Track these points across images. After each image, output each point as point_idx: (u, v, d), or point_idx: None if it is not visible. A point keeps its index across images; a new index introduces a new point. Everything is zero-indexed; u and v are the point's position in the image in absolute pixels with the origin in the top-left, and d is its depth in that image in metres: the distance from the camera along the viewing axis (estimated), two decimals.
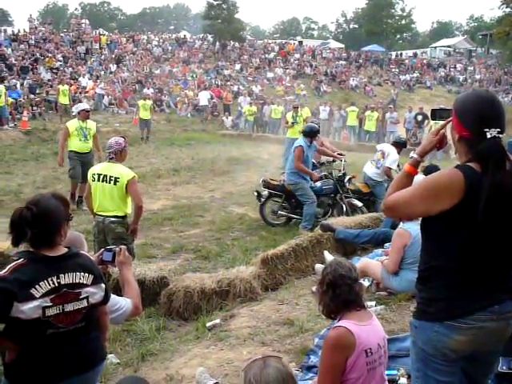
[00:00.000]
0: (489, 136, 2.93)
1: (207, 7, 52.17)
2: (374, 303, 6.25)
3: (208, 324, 6.40)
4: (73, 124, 12.55)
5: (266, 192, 11.52)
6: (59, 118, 25.76)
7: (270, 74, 42.95)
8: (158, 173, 17.59)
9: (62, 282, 3.25)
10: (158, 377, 5.12)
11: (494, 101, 3.04)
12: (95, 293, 3.41)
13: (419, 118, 26.58)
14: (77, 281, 3.31)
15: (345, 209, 11.20)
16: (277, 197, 11.56)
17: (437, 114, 3.39)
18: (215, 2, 51.09)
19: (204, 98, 32.15)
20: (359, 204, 11.30)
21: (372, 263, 6.81)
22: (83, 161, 12.60)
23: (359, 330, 3.46)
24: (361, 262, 6.91)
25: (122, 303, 3.96)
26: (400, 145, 11.09)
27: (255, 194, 11.67)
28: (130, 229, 7.52)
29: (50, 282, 3.20)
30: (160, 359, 5.68)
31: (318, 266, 7.43)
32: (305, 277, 7.85)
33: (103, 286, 3.48)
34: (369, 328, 3.54)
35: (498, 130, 2.95)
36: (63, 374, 3.30)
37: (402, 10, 75.99)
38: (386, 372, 3.97)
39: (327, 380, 3.46)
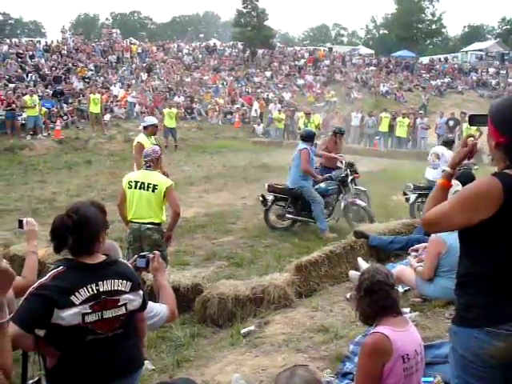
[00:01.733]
0: None
1: (237, 15, 52.39)
2: (408, 310, 6.21)
3: (242, 331, 6.42)
4: (144, 140, 10.84)
5: (271, 196, 11.70)
6: (91, 126, 26.05)
7: (300, 81, 42.95)
8: (190, 180, 17.70)
9: (101, 289, 3.31)
10: None
11: None
12: (133, 300, 3.46)
13: (451, 123, 26.30)
14: (115, 288, 3.37)
15: (342, 208, 11.65)
16: (281, 200, 11.72)
17: (475, 120, 3.39)
18: (245, 10, 51.28)
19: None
20: (362, 204, 11.58)
21: (406, 270, 6.78)
22: None
23: (396, 335, 3.46)
24: (395, 268, 6.88)
25: (157, 309, 4.00)
26: (449, 143, 11.82)
27: (260, 198, 11.76)
28: (165, 236, 7.59)
29: (90, 289, 3.27)
30: (195, 366, 5.72)
31: (352, 273, 7.41)
32: (339, 283, 7.83)
33: (141, 293, 3.53)
34: (405, 334, 3.54)
35: None
36: (103, 379, 3.37)
37: (433, 14, 75.43)
38: (423, 379, 3.96)
39: None
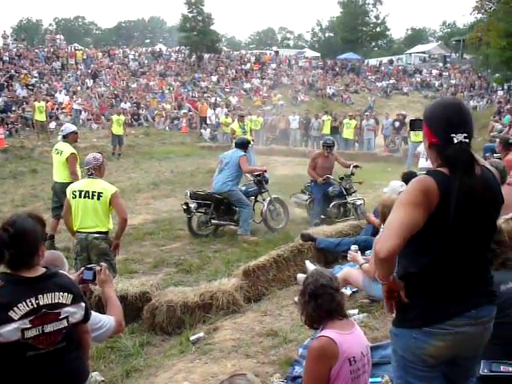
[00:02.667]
0: (455, 141, 3.00)
1: (182, 19, 52.14)
2: (356, 311, 6.27)
3: (192, 338, 6.38)
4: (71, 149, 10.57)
5: (194, 204, 11.64)
6: (36, 135, 25.58)
7: (246, 85, 43.08)
8: (138, 187, 17.55)
9: (41, 303, 3.22)
10: None
11: (460, 107, 3.12)
12: (75, 312, 3.39)
13: (396, 124, 26.70)
14: (56, 301, 3.29)
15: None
16: (204, 207, 11.73)
17: (415, 125, 3.47)
18: (190, 15, 51.08)
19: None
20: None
21: (353, 272, 6.84)
22: None
23: (342, 339, 3.49)
24: (342, 270, 6.94)
25: (104, 321, 3.94)
26: None
27: (184, 207, 11.60)
28: (112, 244, 7.48)
29: (29, 304, 3.18)
30: (145, 375, 5.67)
31: (300, 276, 7.45)
32: (287, 287, 7.86)
33: (83, 304, 3.45)
34: (351, 337, 3.57)
35: (465, 135, 3.02)
36: None
37: (376, 17, 76.90)
38: (370, 379, 4.00)
39: None
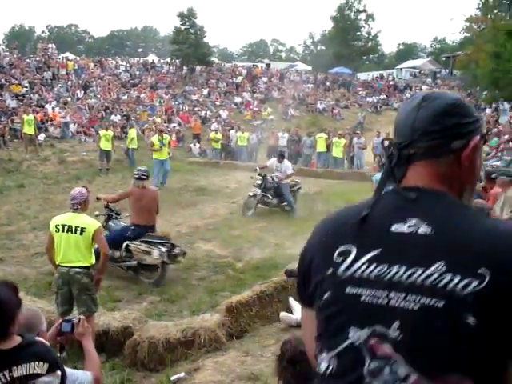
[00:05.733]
0: None
1: (175, 32, 52.24)
2: None
3: (172, 378, 6.37)
4: None
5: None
6: (24, 147, 25.31)
7: (237, 99, 43.11)
8: (124, 205, 17.39)
9: (15, 375, 3.19)
10: None
11: None
12: (51, 381, 3.35)
13: (385, 143, 26.41)
14: (31, 372, 3.25)
15: None
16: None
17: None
18: (183, 27, 51.20)
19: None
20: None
21: None
22: None
23: None
24: None
25: (81, 378, 3.91)
26: None
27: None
28: (94, 279, 7.42)
29: (2, 377, 3.15)
30: None
31: (283, 315, 7.45)
32: (270, 324, 7.85)
33: (59, 372, 3.42)
34: None
35: None
36: None
37: (368, 33, 77.18)
38: None
39: None
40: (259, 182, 16.34)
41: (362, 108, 44.45)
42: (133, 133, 25.64)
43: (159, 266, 10.27)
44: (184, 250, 10.93)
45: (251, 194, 16.21)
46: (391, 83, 55.32)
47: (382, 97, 48.70)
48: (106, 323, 7.48)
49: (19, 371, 3.21)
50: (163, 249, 10.29)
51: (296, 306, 7.57)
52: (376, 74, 62.65)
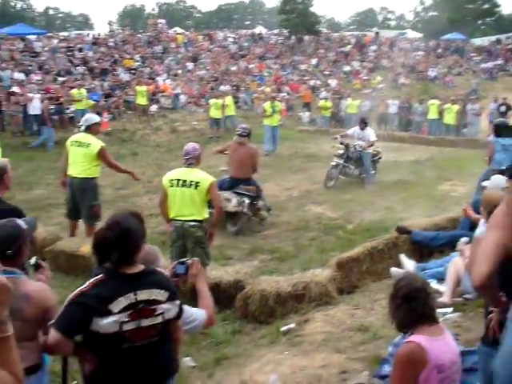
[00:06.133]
0: None
1: (282, 2, 52.07)
2: (450, 310, 6.13)
3: (282, 328, 6.45)
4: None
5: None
6: (138, 118, 26.30)
7: (346, 68, 42.57)
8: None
9: (139, 299, 3.37)
10: (232, 383, 5.21)
11: None
12: (170, 309, 3.51)
13: (502, 108, 25.59)
14: (153, 298, 3.43)
15: None
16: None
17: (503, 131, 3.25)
18: None
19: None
20: None
21: (459, 263, 6.59)
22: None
23: (431, 345, 3.40)
24: (451, 262, 6.70)
25: (196, 314, 4.04)
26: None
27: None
28: (208, 233, 7.57)
29: (128, 299, 3.33)
30: (234, 364, 5.78)
31: (394, 270, 7.34)
32: (380, 280, 7.77)
33: (178, 302, 3.57)
34: (441, 343, 3.48)
35: None
36: None
37: None
38: None
39: None
40: (341, 151, 15.51)
41: (476, 74, 42.72)
42: (228, 100, 25.95)
43: (241, 215, 10.94)
44: (269, 206, 11.60)
45: (334, 163, 15.33)
46: (509, 47, 52.48)
47: (498, 62, 46.43)
48: (218, 277, 7.65)
49: (143, 295, 3.39)
50: (246, 200, 10.83)
51: (407, 262, 7.45)
52: (493, 38, 59.73)
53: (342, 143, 15.63)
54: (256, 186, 11.56)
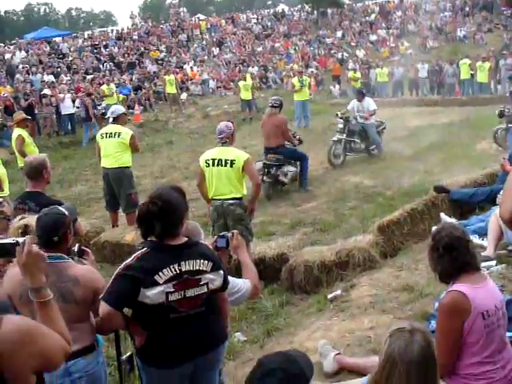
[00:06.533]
0: None
1: None
2: (494, 262, 6.11)
3: (329, 296, 6.51)
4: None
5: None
6: (169, 107, 26.52)
7: (373, 37, 42.08)
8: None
9: (184, 269, 3.47)
10: None
11: None
12: (214, 279, 3.61)
13: None
14: (197, 268, 3.52)
15: None
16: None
17: None
18: None
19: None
20: None
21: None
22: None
23: (474, 292, 3.44)
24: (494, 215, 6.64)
25: (241, 285, 4.15)
26: None
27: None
28: (248, 209, 7.62)
29: (172, 269, 3.44)
30: (284, 334, 5.86)
31: (443, 216, 7.39)
32: (422, 241, 7.71)
33: (222, 272, 3.66)
34: (484, 290, 3.51)
35: None
36: (187, 354, 3.56)
37: None
38: (509, 334, 3.92)
39: (445, 345, 3.47)
40: (341, 125, 14.55)
41: (507, 29, 41.69)
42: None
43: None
44: (287, 172, 12.19)
45: (335, 138, 14.47)
46: None
47: None
48: (262, 252, 7.74)
49: (187, 266, 3.49)
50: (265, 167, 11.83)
51: (448, 221, 7.43)
52: None
53: (341, 118, 14.74)
54: (286, 155, 12.29)
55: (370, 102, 15.26)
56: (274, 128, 12.12)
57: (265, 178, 11.77)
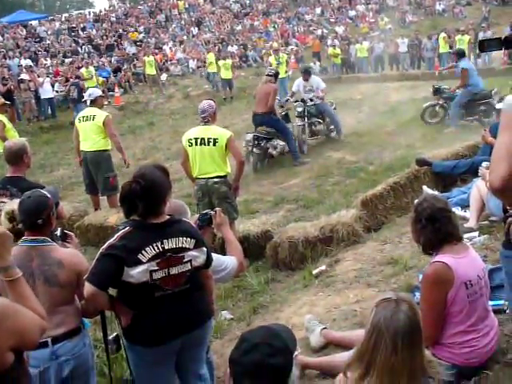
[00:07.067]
0: None
1: None
2: (476, 233, 6.14)
3: (314, 271, 6.53)
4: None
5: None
6: (149, 88, 26.41)
7: (352, 13, 41.87)
8: (251, 128, 17.71)
9: (166, 247, 3.47)
10: None
11: None
12: (197, 256, 3.61)
13: None
14: (180, 245, 3.52)
15: None
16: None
17: (485, 45, 3.05)
18: None
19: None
20: None
21: (482, 186, 6.51)
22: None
23: (456, 263, 3.47)
24: (473, 189, 6.66)
25: (227, 262, 4.16)
26: None
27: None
28: (232, 187, 7.62)
29: (155, 247, 3.44)
30: (271, 311, 5.89)
31: (425, 188, 7.44)
32: (406, 214, 7.72)
33: (205, 249, 3.66)
34: (466, 260, 3.54)
35: None
36: (173, 332, 3.57)
37: None
38: (492, 302, 3.97)
39: (430, 316, 3.50)
40: (300, 108, 13.54)
41: (486, 2, 41.60)
42: (211, 57, 26.07)
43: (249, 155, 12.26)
44: (277, 146, 12.56)
45: (299, 124, 13.57)
46: None
47: None
48: (246, 229, 7.74)
49: (169, 244, 3.49)
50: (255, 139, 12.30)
51: (430, 193, 7.46)
52: None
53: (296, 101, 13.91)
54: (273, 125, 12.67)
55: (318, 81, 14.42)
56: (264, 95, 12.49)
57: (254, 149, 12.26)
